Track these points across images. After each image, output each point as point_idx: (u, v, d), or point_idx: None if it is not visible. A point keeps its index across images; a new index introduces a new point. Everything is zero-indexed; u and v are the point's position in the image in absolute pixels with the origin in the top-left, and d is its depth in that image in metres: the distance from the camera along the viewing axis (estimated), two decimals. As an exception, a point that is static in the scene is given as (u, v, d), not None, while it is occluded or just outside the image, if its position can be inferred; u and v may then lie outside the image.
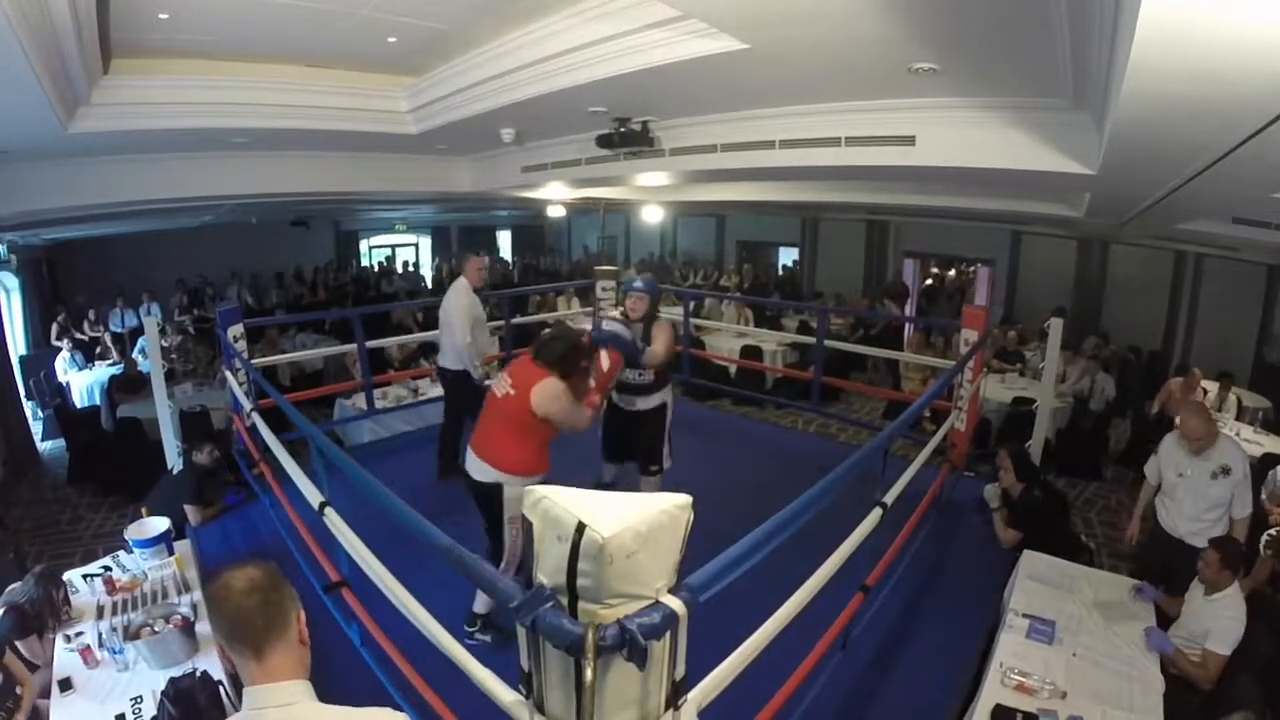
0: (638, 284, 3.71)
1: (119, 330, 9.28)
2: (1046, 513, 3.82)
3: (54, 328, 8.57)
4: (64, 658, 2.53)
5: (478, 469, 2.74)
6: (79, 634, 2.66)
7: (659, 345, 3.57)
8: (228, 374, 4.64)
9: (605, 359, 3.09)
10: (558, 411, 2.69)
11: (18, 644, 2.57)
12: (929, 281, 12.18)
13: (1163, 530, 3.40)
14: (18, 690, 2.39)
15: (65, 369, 7.74)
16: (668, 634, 1.29)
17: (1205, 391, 6.17)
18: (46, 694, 2.44)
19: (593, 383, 2.93)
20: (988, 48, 2.56)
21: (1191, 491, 3.24)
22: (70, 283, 10.60)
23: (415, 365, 6.85)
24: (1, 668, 2.37)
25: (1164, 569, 3.27)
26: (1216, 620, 2.67)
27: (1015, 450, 4.13)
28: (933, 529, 3.79)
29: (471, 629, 2.86)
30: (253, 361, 4.70)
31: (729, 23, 2.63)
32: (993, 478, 4.30)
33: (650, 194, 8.71)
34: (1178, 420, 3.32)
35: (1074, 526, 4.47)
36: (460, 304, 4.32)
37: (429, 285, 14.62)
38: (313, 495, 2.64)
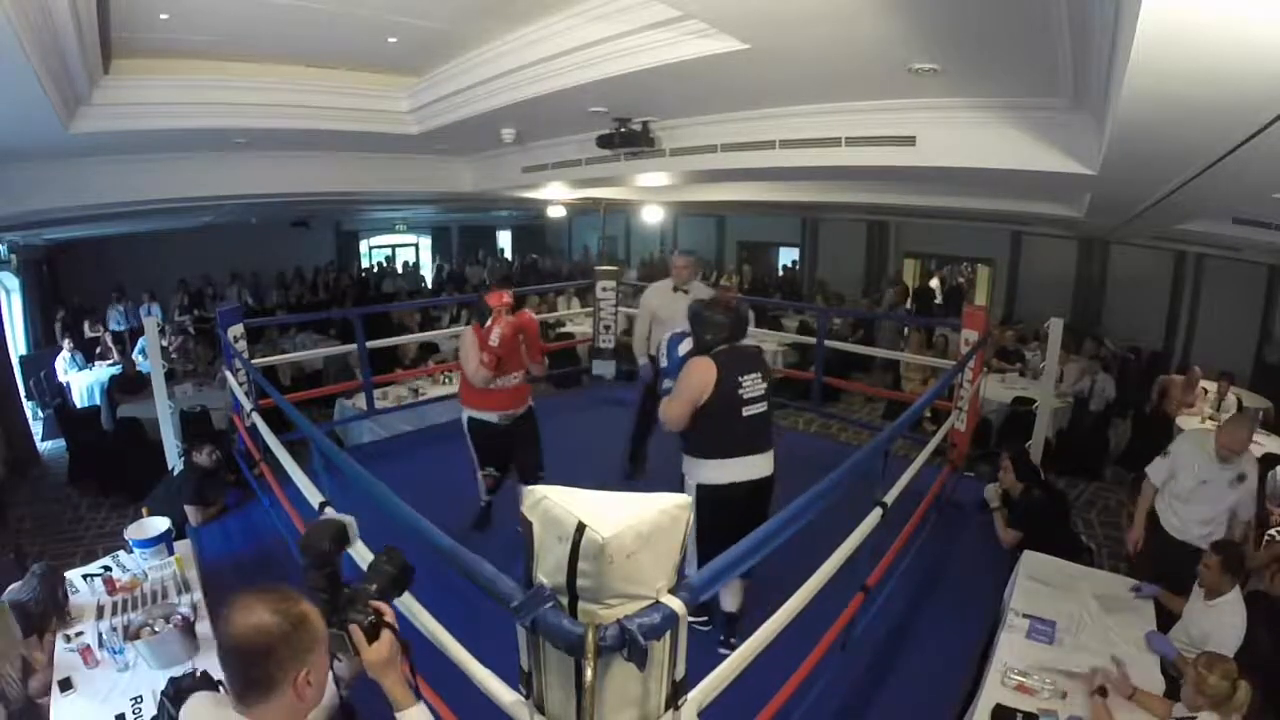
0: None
1: (120, 330, 9.28)
2: (1047, 513, 3.82)
3: (57, 326, 8.57)
4: (64, 658, 2.53)
5: None
6: (79, 634, 2.66)
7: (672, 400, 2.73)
8: (228, 374, 4.64)
9: (495, 331, 3.30)
10: (458, 349, 3.59)
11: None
12: (933, 283, 12.19)
13: (1169, 536, 3.37)
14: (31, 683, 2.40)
15: (65, 369, 7.74)
16: (668, 634, 1.28)
17: (1205, 391, 6.17)
18: (46, 693, 2.44)
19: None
20: (988, 48, 2.56)
21: (1209, 498, 3.23)
22: (70, 283, 10.61)
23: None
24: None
25: (1169, 574, 3.25)
26: (1217, 625, 2.67)
27: (1014, 451, 4.14)
28: (933, 529, 3.79)
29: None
30: (253, 362, 4.70)
31: (729, 23, 2.63)
32: (993, 478, 4.30)
33: (650, 194, 8.71)
34: (1215, 429, 3.30)
35: (1074, 527, 4.47)
36: (647, 300, 4.46)
37: (429, 285, 14.64)
38: (313, 495, 2.65)
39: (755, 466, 2.72)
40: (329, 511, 1.30)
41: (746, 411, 2.69)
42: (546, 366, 3.67)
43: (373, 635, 1.26)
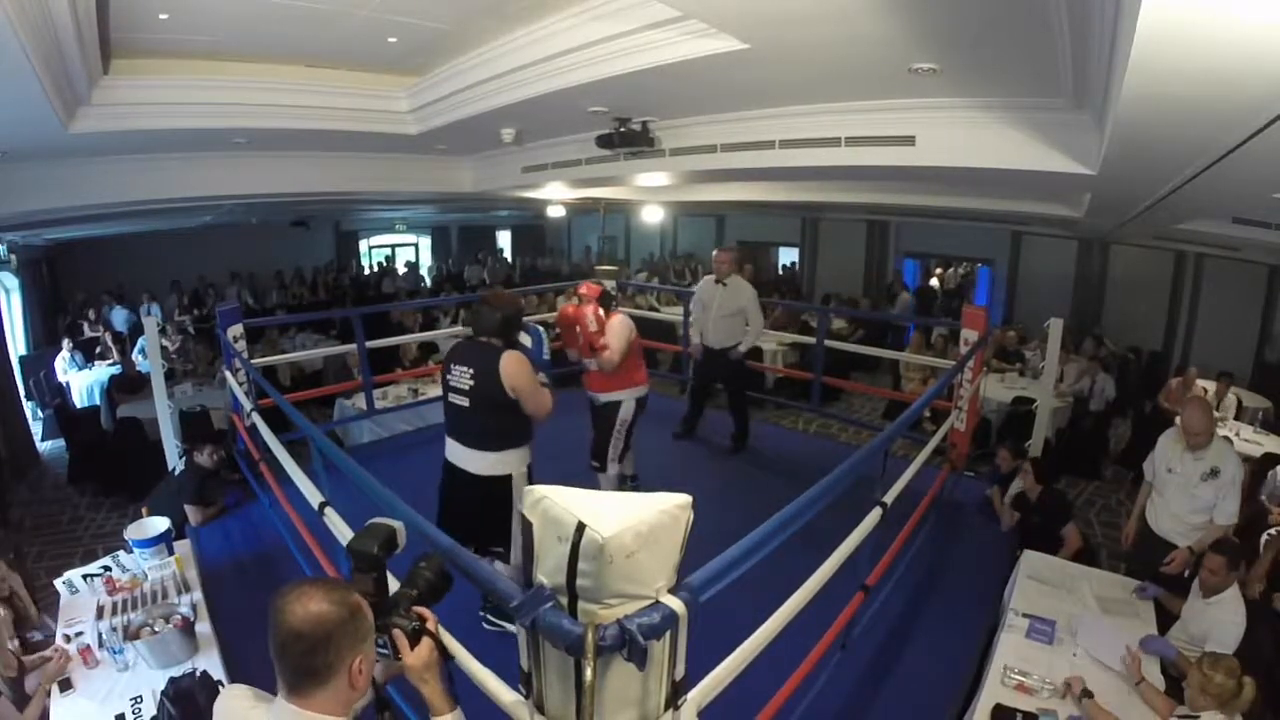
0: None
1: (121, 330, 9.29)
2: (1062, 514, 3.83)
3: (84, 323, 8.63)
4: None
5: None
6: (79, 634, 2.66)
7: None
8: (228, 374, 4.64)
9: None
10: None
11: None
12: (933, 282, 12.20)
13: (1148, 527, 3.39)
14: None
15: (65, 369, 7.74)
16: (667, 634, 1.28)
17: (1205, 391, 6.17)
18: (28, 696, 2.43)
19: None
20: (988, 48, 2.56)
21: (1180, 490, 3.23)
22: (70, 283, 10.61)
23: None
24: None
25: (1144, 564, 3.26)
26: (1216, 623, 2.67)
27: (1017, 449, 4.15)
28: (933, 529, 3.79)
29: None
30: (252, 362, 4.70)
31: (729, 23, 2.63)
32: (993, 478, 4.31)
33: (650, 194, 8.71)
34: (1179, 416, 3.31)
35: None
36: (697, 292, 5.09)
37: (429, 285, 14.63)
38: (313, 495, 2.65)
39: (455, 453, 2.81)
40: (376, 517, 1.33)
41: (450, 399, 2.80)
42: (607, 360, 3.67)
43: (415, 640, 1.28)
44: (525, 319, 3.03)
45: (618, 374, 3.77)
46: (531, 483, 2.61)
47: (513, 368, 2.66)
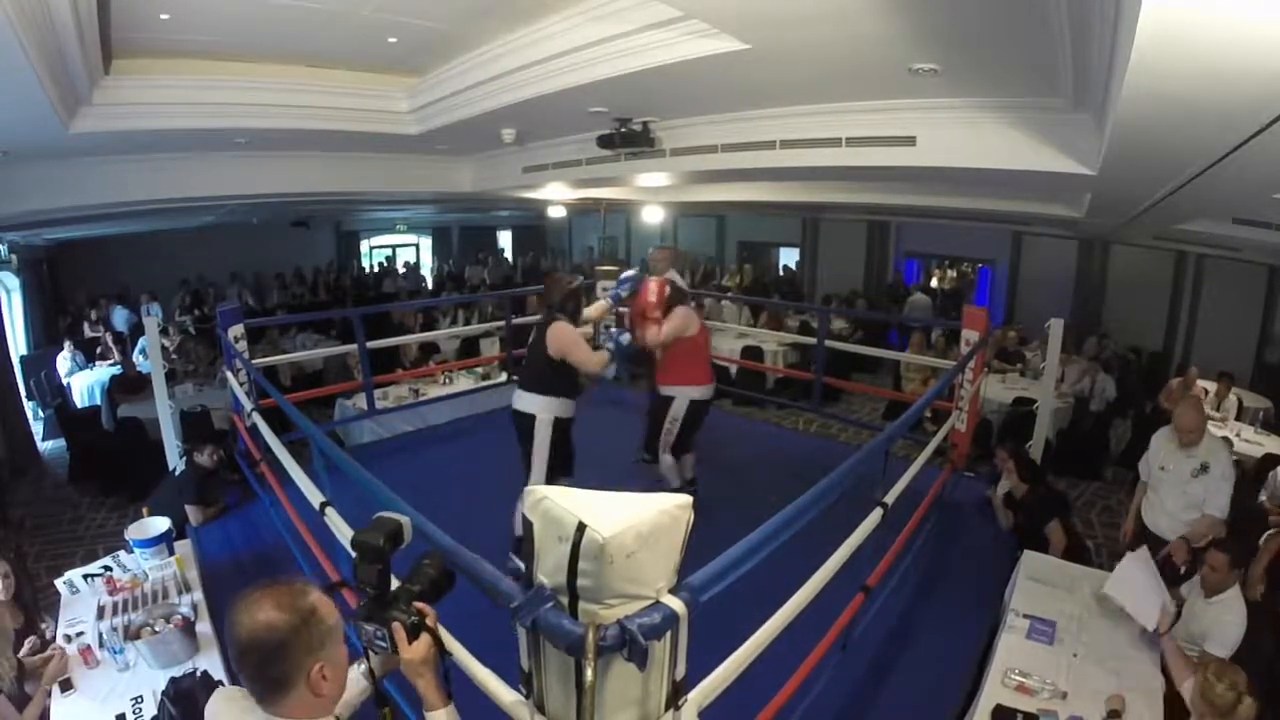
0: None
1: (122, 330, 9.29)
2: (1053, 513, 3.82)
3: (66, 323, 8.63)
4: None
5: None
6: (79, 634, 2.67)
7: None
8: (228, 374, 4.65)
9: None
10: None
11: None
12: (933, 283, 12.20)
13: (1144, 525, 3.40)
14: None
15: (66, 369, 7.74)
16: (668, 634, 1.28)
17: (1206, 392, 6.17)
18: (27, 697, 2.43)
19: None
20: (988, 48, 2.56)
21: (1173, 487, 3.25)
22: (71, 283, 10.62)
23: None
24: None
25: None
26: (1216, 623, 2.67)
27: (1015, 450, 4.14)
28: (933, 529, 3.79)
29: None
30: (253, 362, 4.70)
31: (729, 23, 2.63)
32: (992, 478, 4.31)
33: (651, 194, 8.70)
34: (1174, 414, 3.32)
35: (1074, 526, 4.48)
36: None
37: (429, 285, 14.63)
38: (313, 495, 2.65)
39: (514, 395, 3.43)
40: (382, 513, 1.36)
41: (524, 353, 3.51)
42: (651, 336, 3.78)
43: (414, 635, 1.28)
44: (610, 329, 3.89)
45: (678, 366, 3.84)
46: (563, 434, 3.33)
47: (556, 332, 3.25)
